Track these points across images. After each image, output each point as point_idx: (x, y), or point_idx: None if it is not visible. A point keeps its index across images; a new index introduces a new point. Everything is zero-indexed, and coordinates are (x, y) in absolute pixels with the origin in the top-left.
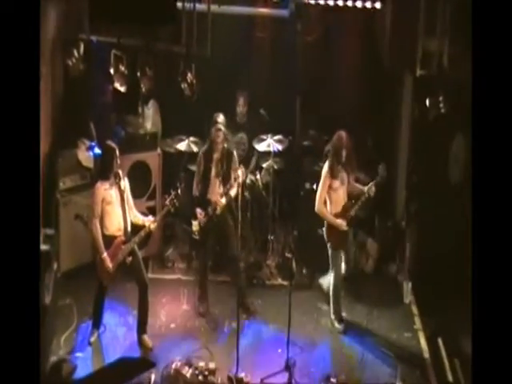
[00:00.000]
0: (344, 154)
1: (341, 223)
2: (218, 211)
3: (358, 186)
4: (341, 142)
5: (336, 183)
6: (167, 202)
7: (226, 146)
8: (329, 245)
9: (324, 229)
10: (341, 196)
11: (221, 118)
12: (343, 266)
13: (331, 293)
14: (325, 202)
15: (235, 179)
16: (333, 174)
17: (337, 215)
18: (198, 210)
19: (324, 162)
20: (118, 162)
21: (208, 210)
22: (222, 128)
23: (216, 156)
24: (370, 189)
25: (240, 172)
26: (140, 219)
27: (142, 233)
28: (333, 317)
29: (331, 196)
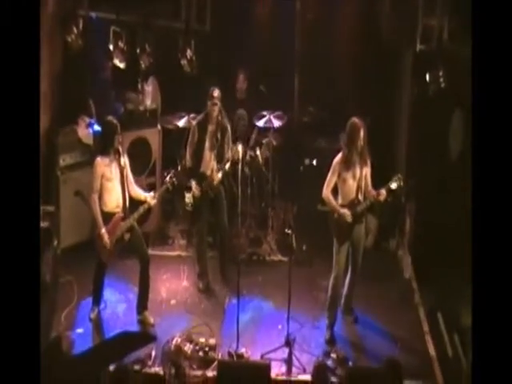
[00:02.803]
0: (360, 142)
1: (345, 212)
2: (214, 186)
3: (369, 186)
4: (356, 130)
5: (347, 174)
6: (166, 180)
7: (220, 119)
8: (334, 239)
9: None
10: (352, 189)
11: (216, 92)
12: (349, 268)
13: (329, 291)
14: (336, 191)
15: (231, 156)
16: (346, 165)
17: (343, 207)
18: (193, 183)
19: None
20: (120, 138)
21: (203, 184)
22: (218, 103)
23: (211, 128)
24: (380, 194)
25: (239, 148)
26: (141, 195)
27: (141, 209)
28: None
29: (341, 187)
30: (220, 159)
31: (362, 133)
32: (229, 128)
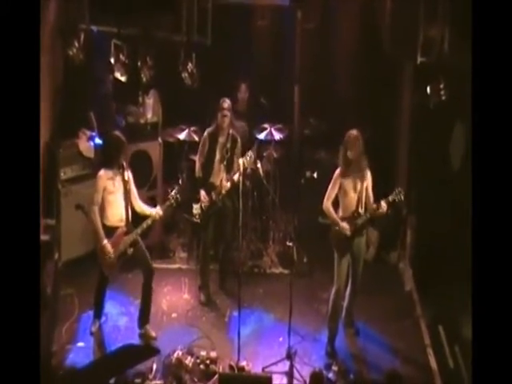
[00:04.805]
0: (356, 154)
1: (344, 226)
2: (223, 195)
3: (371, 199)
4: (352, 142)
5: (348, 187)
6: (170, 197)
7: (231, 132)
8: (335, 251)
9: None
10: (352, 202)
11: (227, 103)
12: (350, 280)
13: (330, 303)
14: (337, 204)
15: (238, 167)
16: (346, 178)
17: (343, 220)
18: (202, 193)
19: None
20: (125, 155)
21: (212, 194)
22: (228, 114)
23: (221, 140)
24: (380, 206)
25: (241, 161)
26: (146, 210)
27: (144, 225)
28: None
29: (342, 199)
30: (230, 170)
31: (358, 145)
32: (239, 140)
